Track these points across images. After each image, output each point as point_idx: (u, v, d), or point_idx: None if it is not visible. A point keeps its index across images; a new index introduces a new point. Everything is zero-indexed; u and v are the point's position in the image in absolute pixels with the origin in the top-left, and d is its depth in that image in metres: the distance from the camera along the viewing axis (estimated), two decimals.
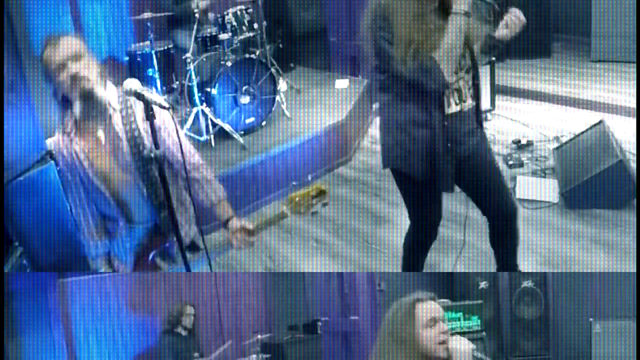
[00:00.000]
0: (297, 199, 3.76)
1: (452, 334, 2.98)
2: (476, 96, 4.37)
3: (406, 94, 4.16)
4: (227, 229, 3.97)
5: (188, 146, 3.99)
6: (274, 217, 3.88)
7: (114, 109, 3.69)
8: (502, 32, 4.26)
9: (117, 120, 3.71)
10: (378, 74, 4.30)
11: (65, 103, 3.71)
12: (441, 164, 4.27)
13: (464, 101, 4.26)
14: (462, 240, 5.24)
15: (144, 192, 3.81)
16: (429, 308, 2.96)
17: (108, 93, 3.70)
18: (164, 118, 3.79)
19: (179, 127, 3.92)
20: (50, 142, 6.05)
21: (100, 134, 3.74)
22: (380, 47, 4.00)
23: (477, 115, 4.47)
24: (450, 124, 4.22)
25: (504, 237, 4.89)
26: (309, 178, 3.53)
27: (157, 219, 3.93)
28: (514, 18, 4.23)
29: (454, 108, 4.22)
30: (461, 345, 2.90)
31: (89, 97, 3.59)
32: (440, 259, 6.08)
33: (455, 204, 4.99)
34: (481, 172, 4.53)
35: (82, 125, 3.72)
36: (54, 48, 3.56)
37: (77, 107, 3.62)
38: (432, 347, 2.88)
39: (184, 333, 7.05)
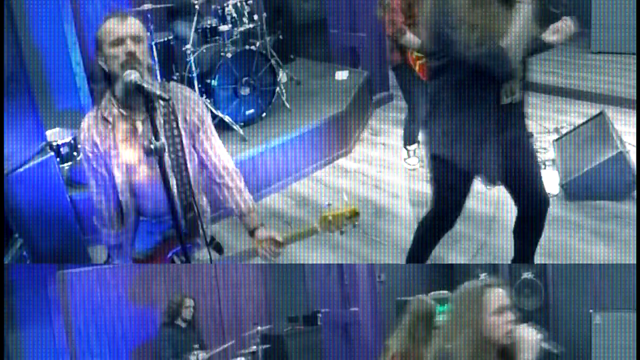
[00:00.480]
0: (330, 218, 3.80)
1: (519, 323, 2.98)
2: (524, 89, 4.38)
3: (464, 81, 4.17)
4: (254, 237, 3.95)
5: (223, 151, 3.96)
6: (304, 232, 3.90)
7: (158, 103, 3.46)
8: (552, 37, 4.24)
9: (158, 115, 3.56)
10: (432, 61, 4.30)
11: (106, 84, 3.62)
12: (489, 157, 4.30)
13: (514, 94, 4.27)
14: (482, 239, 5.23)
15: (173, 191, 3.63)
16: (498, 295, 2.96)
17: (155, 85, 3.46)
18: (205, 119, 3.79)
19: (214, 130, 3.91)
20: (51, 133, 6.04)
21: (139, 125, 3.65)
22: (442, 31, 4.00)
23: (522, 107, 4.49)
24: (502, 116, 4.26)
25: (530, 229, 4.91)
26: (326, 204, 3.58)
27: (181, 220, 3.83)
28: (566, 27, 4.22)
29: (504, 100, 4.24)
30: (528, 334, 2.90)
31: (130, 89, 3.40)
32: (441, 252, 6.08)
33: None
34: (520, 161, 4.53)
35: (121, 112, 3.61)
36: (120, 22, 3.46)
37: (119, 87, 3.54)
38: (497, 335, 2.90)
39: (183, 325, 7.05)
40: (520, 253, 5.08)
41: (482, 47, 3.86)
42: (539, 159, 7.37)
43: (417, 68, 6.90)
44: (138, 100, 3.44)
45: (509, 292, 3.04)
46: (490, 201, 6.55)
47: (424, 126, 4.65)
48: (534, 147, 4.72)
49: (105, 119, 3.63)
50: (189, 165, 3.72)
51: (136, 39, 3.45)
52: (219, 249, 4.18)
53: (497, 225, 6.20)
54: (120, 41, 3.42)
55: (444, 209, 4.86)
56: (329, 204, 3.87)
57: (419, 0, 6.04)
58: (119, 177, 3.73)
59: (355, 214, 3.83)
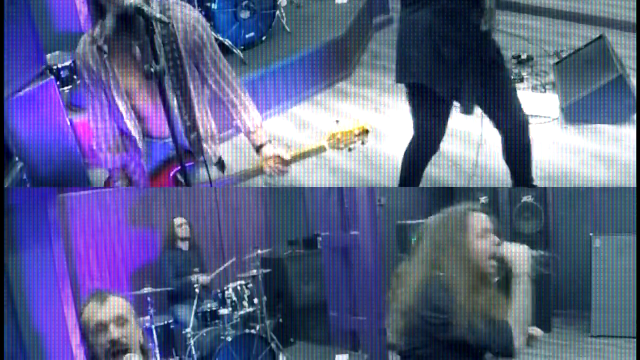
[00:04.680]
0: (339, 135, 3.80)
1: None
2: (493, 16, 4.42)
3: (444, 9, 4.20)
4: (260, 154, 3.94)
5: (227, 68, 3.86)
6: (312, 150, 3.89)
7: (156, 24, 3.18)
8: None
9: (156, 37, 3.33)
10: None
11: (98, 7, 3.43)
12: (467, 83, 4.35)
13: (491, 20, 4.33)
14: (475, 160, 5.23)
15: (175, 112, 3.61)
16: (481, 219, 2.98)
17: (152, 6, 3.30)
18: (205, 37, 3.67)
19: (217, 48, 3.81)
20: (51, 56, 6.00)
21: (137, 50, 3.53)
22: None
23: (493, 34, 4.53)
24: (481, 42, 4.32)
25: (517, 150, 4.93)
26: (335, 121, 3.57)
27: (184, 140, 3.78)
28: None
29: (484, 26, 4.29)
30: (516, 247, 2.90)
31: (130, 12, 3.17)
32: (441, 174, 6.09)
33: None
34: (496, 84, 4.54)
35: (118, 39, 3.49)
36: None
37: (110, 23, 3.37)
38: (482, 260, 2.90)
39: (184, 248, 7.09)
40: (517, 176, 5.09)
41: None
42: (538, 83, 7.39)
43: None
44: (136, 24, 3.32)
45: (492, 218, 3.05)
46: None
47: (398, 54, 4.64)
48: (509, 69, 4.74)
49: (100, 48, 3.54)
50: (190, 86, 3.66)
51: None
52: (222, 167, 4.17)
53: (487, 147, 6.20)
54: None
55: (426, 136, 4.91)
56: (337, 121, 3.86)
57: None
58: (122, 105, 3.69)
59: (364, 132, 3.82)
